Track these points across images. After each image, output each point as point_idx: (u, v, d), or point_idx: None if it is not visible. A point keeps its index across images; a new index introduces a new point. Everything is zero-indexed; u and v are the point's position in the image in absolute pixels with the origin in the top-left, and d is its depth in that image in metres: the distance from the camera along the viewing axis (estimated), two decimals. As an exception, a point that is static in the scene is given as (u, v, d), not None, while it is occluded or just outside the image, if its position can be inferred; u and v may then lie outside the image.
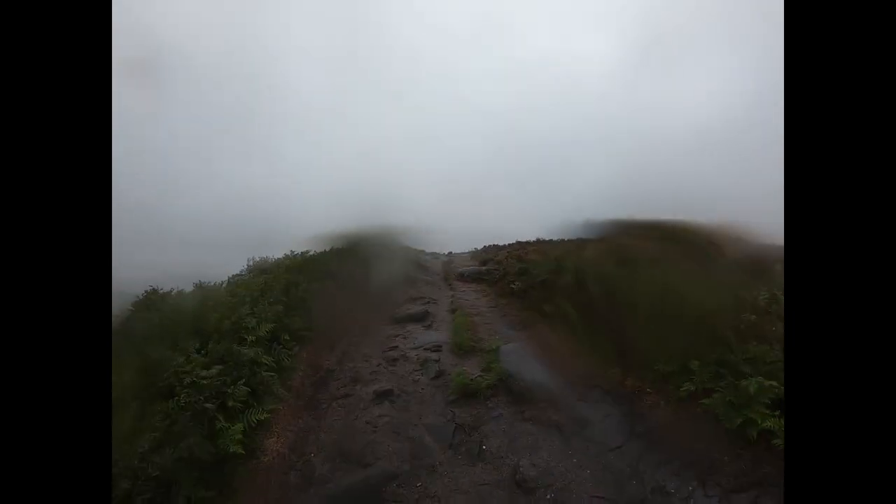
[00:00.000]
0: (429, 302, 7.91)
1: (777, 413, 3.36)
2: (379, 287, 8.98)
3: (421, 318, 6.94)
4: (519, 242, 16.93)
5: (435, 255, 16.92)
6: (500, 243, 21.04)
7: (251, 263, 12.42)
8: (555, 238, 12.80)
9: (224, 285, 9.06)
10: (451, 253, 21.11)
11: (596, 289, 6.69)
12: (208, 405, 3.71)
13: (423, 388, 4.83)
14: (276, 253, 11.69)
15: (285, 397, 4.57)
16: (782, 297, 5.05)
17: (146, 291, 6.85)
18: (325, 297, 7.44)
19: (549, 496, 3.34)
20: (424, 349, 5.79)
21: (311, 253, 12.39)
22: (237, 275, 10.99)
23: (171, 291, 7.09)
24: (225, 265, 10.12)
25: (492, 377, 4.69)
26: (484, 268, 10.39)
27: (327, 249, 11.96)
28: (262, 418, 4.01)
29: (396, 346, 5.93)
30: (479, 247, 23.65)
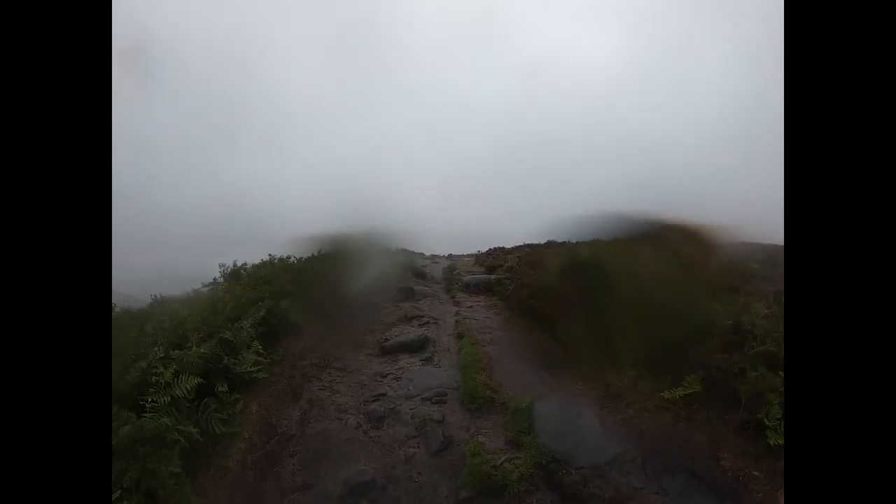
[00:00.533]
0: (428, 322, 6.29)
1: None
2: (367, 302, 7.35)
3: (418, 348, 5.31)
4: (528, 245, 15.37)
5: (434, 259, 15.29)
6: (506, 246, 19.51)
7: (226, 269, 10.96)
8: (568, 240, 11.28)
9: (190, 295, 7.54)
10: (451, 255, 19.51)
11: (652, 311, 5.09)
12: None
13: (420, 474, 3.20)
14: (264, 253, 10.21)
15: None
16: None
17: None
18: (296, 318, 5.81)
19: None
20: (423, 399, 4.16)
21: (292, 259, 10.80)
22: (210, 282, 9.56)
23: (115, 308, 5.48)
24: (214, 265, 8.50)
25: (526, 461, 3.07)
26: (493, 276, 8.77)
27: (311, 255, 10.41)
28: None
29: (384, 394, 4.30)
30: (482, 249, 22.11)
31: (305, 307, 6.32)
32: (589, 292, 5.73)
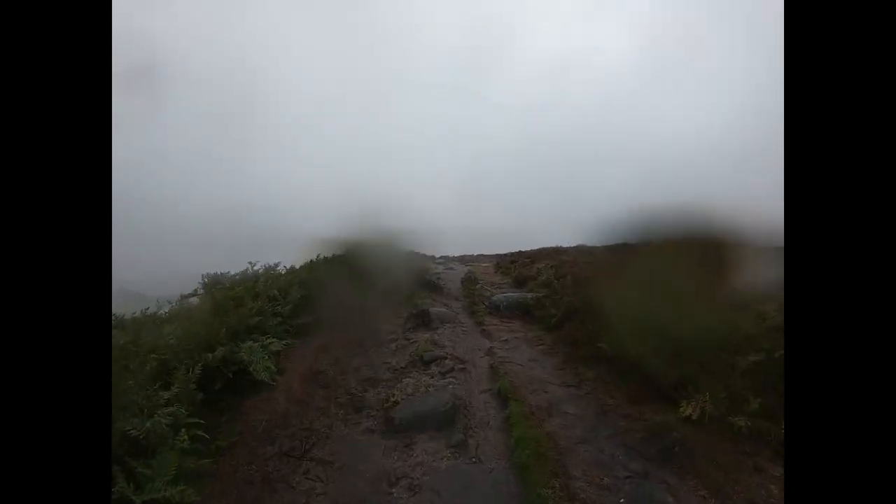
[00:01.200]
0: (452, 369, 4.51)
1: None
2: (368, 332, 5.59)
3: (444, 423, 3.54)
4: (554, 249, 13.58)
5: (448, 265, 13.48)
6: (523, 248, 17.83)
7: (206, 280, 9.30)
8: (597, 244, 9.57)
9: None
10: (464, 257, 17.73)
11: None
12: None
13: None
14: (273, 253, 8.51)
15: None
16: None
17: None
18: (267, 368, 4.06)
19: None
20: (460, 544, 2.40)
21: (280, 267, 9.08)
22: (181, 298, 8.00)
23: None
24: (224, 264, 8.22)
25: None
26: (529, 294, 6.98)
27: (305, 263, 8.75)
28: None
29: (394, 528, 2.55)
30: (497, 250, 20.40)
31: (284, 346, 4.58)
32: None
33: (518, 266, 9.82)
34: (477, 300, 7.07)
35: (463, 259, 16.93)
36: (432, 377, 4.33)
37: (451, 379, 4.28)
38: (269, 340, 4.18)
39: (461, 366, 4.62)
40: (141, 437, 2.58)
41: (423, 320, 5.76)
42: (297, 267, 8.91)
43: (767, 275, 4.60)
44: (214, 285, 9.08)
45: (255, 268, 9.19)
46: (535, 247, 16.63)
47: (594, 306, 5.73)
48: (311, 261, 8.79)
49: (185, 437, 2.80)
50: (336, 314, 5.65)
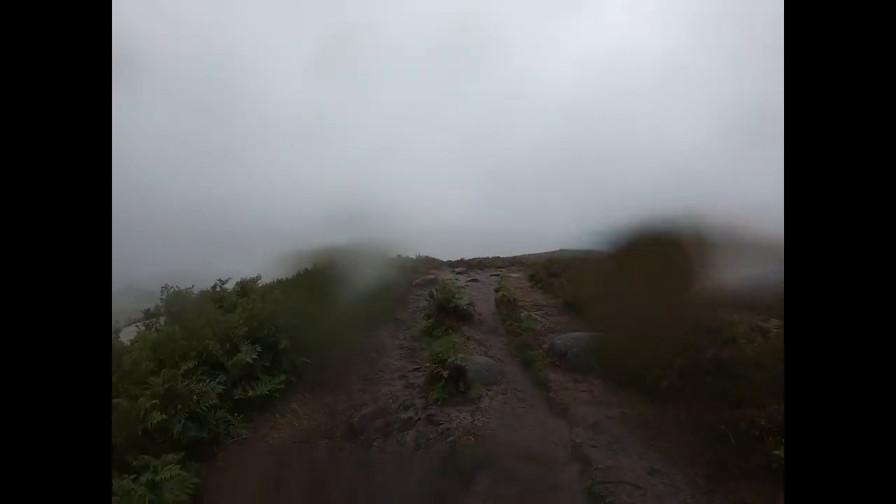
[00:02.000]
0: None
1: None
2: (366, 412, 3.58)
3: None
4: (590, 253, 11.51)
5: (470, 273, 11.45)
6: (541, 249, 16.06)
7: (166, 294, 7.34)
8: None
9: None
10: (482, 262, 15.72)
11: None
12: None
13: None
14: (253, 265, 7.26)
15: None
16: None
17: None
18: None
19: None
20: None
21: (263, 283, 7.29)
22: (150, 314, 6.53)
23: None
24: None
25: None
26: (605, 333, 4.94)
27: (281, 279, 6.87)
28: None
29: None
30: (513, 251, 18.57)
31: (193, 486, 2.58)
32: None
33: (562, 280, 7.76)
34: (528, 339, 5.03)
35: (481, 264, 14.91)
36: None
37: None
38: (168, 472, 2.18)
39: (533, 492, 2.61)
40: None
41: (456, 385, 3.76)
42: (283, 280, 7.01)
43: None
44: (176, 301, 7.17)
45: (225, 285, 7.29)
46: (552, 248, 14.63)
47: (726, 356, 3.70)
48: (280, 280, 6.86)
49: None
50: (315, 373, 3.67)
